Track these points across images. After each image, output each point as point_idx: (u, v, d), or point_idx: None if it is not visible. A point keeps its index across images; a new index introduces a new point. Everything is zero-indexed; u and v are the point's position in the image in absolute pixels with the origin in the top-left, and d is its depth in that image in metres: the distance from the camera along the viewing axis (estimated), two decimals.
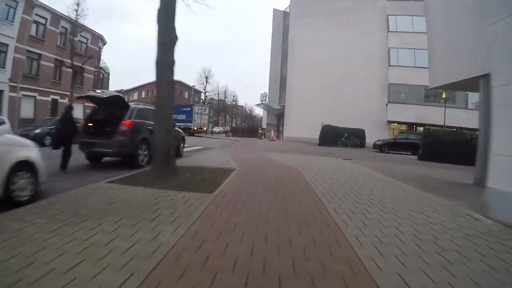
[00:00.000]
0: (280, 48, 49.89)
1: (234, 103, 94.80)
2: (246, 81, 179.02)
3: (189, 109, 44.65)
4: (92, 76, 41.22)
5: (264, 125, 50.83)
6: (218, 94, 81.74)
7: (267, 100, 47.04)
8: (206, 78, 70.58)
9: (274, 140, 38.88)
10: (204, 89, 70.79)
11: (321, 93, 39.10)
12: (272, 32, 55.65)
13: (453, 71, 10.52)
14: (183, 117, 44.94)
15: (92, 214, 4.22)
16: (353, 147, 29.98)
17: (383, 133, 34.96)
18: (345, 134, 31.77)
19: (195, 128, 43.13)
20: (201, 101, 46.14)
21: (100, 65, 43.62)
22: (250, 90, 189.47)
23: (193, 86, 64.36)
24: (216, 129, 72.59)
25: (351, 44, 39.39)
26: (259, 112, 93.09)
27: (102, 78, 47.48)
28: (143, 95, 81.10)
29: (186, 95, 71.91)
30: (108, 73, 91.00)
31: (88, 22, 35.56)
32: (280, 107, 45.67)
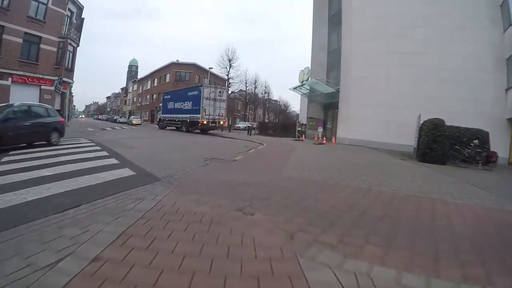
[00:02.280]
0: (326, 14, 36.22)
1: (266, 95, 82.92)
2: (279, 76, 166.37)
3: (196, 92, 32.95)
4: (55, 49, 32.02)
5: (303, 120, 37.47)
6: (246, 83, 70.54)
7: (310, 78, 33.10)
8: (229, 60, 60.48)
9: (323, 143, 26.06)
10: (227, 74, 60.06)
11: (395, 72, 26.41)
12: None
13: None
14: (188, 105, 34.09)
15: None
16: (488, 168, 16.63)
17: (502, 137, 22.59)
18: (475, 141, 18.05)
19: (205, 122, 31.49)
20: (221, 90, 32.57)
21: (66, 35, 32.84)
22: (284, 86, 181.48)
23: (210, 68, 52.02)
24: (241, 124, 61.78)
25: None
26: (295, 107, 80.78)
27: (75, 51, 36.27)
28: (155, 83, 72.34)
29: (203, 82, 57.74)
30: (137, 66, 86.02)
31: None
32: (333, 90, 31.22)
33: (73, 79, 37.69)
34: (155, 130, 37.28)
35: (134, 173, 8.14)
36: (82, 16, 45.24)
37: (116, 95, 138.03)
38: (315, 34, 38.23)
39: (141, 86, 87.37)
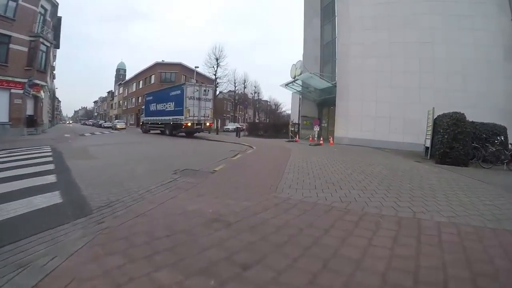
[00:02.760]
0: (319, 4, 33.09)
1: (256, 95, 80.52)
2: (269, 76, 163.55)
3: (178, 92, 30.06)
4: (26, 49, 29.13)
5: (295, 119, 34.55)
6: (235, 83, 67.90)
7: (302, 73, 29.04)
8: (217, 59, 58.08)
9: (320, 144, 23.20)
10: (215, 74, 57.49)
11: (399, 64, 23.71)
12: None
13: None
14: (171, 106, 31.24)
15: None
16: None
17: None
18: (500, 137, 15.21)
19: (189, 124, 28.65)
20: (206, 89, 29.46)
21: (38, 33, 29.97)
22: (274, 87, 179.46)
23: (195, 67, 48.89)
24: (230, 125, 58.92)
25: None
26: (286, 106, 78.29)
27: (48, 51, 33.54)
28: (140, 85, 69.49)
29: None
30: (125, 70, 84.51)
31: None
32: (329, 84, 28.13)
33: (48, 81, 35.99)
34: (136, 135, 34.36)
35: (61, 200, 5.65)
36: (59, 15, 42.69)
37: (103, 99, 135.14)
38: (307, 26, 35.42)
39: (126, 89, 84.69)
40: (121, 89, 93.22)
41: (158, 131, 35.09)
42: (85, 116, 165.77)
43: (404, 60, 23.53)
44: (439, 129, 14.77)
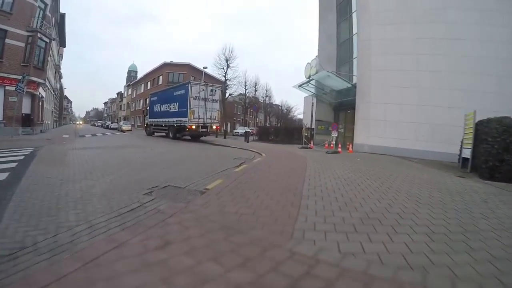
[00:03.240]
0: (334, 2, 30.48)
1: (267, 99, 78.11)
2: (280, 79, 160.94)
3: (182, 91, 27.67)
4: (23, 44, 27.79)
5: (309, 123, 31.89)
6: (246, 85, 65.60)
7: (318, 72, 26.67)
8: (227, 60, 55.90)
9: (339, 152, 20.23)
10: (224, 75, 55.49)
11: (426, 62, 21.06)
12: None
13: None
14: (175, 107, 28.91)
15: None
16: None
17: None
18: None
19: (193, 127, 26.20)
20: (213, 89, 26.89)
21: (36, 28, 28.56)
22: (286, 91, 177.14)
23: (204, 68, 46.59)
24: (240, 129, 56.67)
25: None
26: (297, 110, 75.69)
27: (47, 47, 31.49)
28: (148, 86, 67.71)
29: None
30: (136, 71, 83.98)
31: None
32: (348, 85, 25.23)
33: (50, 79, 34.72)
34: (138, 137, 32.09)
35: None
36: (62, 11, 41.51)
37: (112, 101, 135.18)
38: (322, 24, 32.87)
39: (135, 90, 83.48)
40: (129, 90, 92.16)
41: (163, 134, 32.66)
42: (95, 117, 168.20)
43: (431, 58, 20.91)
44: (484, 137, 12.14)
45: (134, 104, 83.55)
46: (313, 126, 29.72)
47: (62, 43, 56.26)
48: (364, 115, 23.07)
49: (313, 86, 29.12)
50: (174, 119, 28.67)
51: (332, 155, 18.36)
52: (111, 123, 73.61)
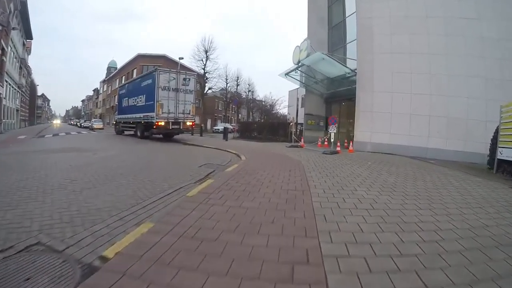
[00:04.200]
0: None
1: (250, 93, 73.82)
2: (264, 74, 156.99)
3: (149, 81, 23.29)
4: None
5: (296, 118, 27.91)
6: (227, 79, 61.66)
7: (309, 54, 21.56)
8: (206, 52, 52.89)
9: (337, 152, 16.39)
10: (203, 68, 52.41)
11: (439, 45, 17.37)
12: None
13: None
14: (142, 100, 24.51)
15: None
16: None
17: None
18: None
19: (162, 123, 21.87)
20: (186, 77, 23.18)
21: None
22: (269, 86, 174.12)
23: (180, 58, 41.87)
24: (221, 126, 52.92)
25: None
26: (282, 104, 71.73)
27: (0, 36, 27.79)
28: (123, 81, 63.45)
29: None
30: (116, 68, 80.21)
31: None
32: (347, 70, 20.73)
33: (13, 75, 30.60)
34: (103, 137, 27.96)
35: None
36: None
37: (89, 98, 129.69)
38: (310, 8, 28.36)
39: (110, 86, 78.70)
40: (105, 86, 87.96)
41: (132, 132, 28.11)
42: (74, 115, 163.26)
43: (445, 40, 17.19)
44: None
45: (109, 100, 78.38)
46: (300, 121, 25.54)
47: (28, 35, 52.02)
48: (367, 107, 19.05)
49: (302, 74, 25.17)
50: (141, 115, 24.41)
51: (332, 156, 14.51)
52: (84, 121, 71.41)
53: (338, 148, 17.03)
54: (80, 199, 5.65)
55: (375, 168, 10.63)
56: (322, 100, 26.47)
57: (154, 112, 21.67)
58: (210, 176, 8.42)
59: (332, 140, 16.89)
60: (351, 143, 18.49)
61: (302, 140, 22.06)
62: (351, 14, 22.26)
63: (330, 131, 17.19)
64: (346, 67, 20.77)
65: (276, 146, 20.45)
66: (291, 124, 25.31)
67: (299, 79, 26.75)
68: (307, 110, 26.71)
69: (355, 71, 19.92)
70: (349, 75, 21.10)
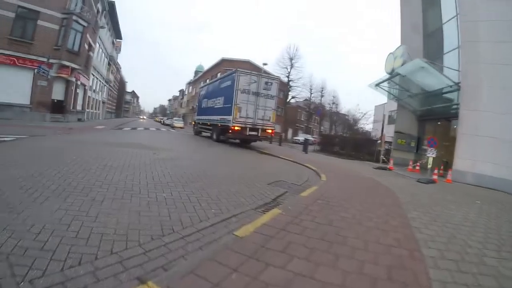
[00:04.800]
0: None
1: (334, 106, 70.35)
2: (348, 88, 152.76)
3: (229, 82, 22.01)
4: (56, 27, 26.15)
5: (381, 135, 25.38)
6: (311, 89, 60.11)
7: (405, 62, 19.47)
8: (291, 59, 52.17)
9: (434, 181, 13.95)
10: (288, 76, 51.82)
11: None
12: None
13: None
14: (220, 102, 23.46)
15: None
16: None
17: None
18: None
19: (238, 128, 20.37)
20: (268, 81, 21.48)
21: (72, 10, 26.96)
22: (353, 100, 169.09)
23: (264, 64, 41.59)
24: (301, 137, 51.48)
25: None
26: (366, 123, 68.40)
27: (85, 32, 29.17)
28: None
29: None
30: (202, 71, 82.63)
31: None
32: (449, 82, 17.41)
33: (89, 66, 34.38)
34: (179, 136, 27.72)
35: None
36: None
37: (175, 98, 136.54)
38: (404, 11, 25.65)
39: (194, 88, 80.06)
40: (190, 88, 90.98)
41: (209, 134, 27.28)
42: (161, 113, 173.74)
43: None
44: None
45: (192, 101, 79.38)
46: (386, 140, 23.03)
47: (118, 35, 54.81)
48: (470, 129, 16.04)
49: (395, 86, 22.53)
50: (218, 117, 23.29)
51: (428, 187, 12.17)
52: (166, 119, 74.57)
53: (435, 177, 14.54)
54: (81, 218, 4.27)
55: (490, 213, 8.11)
56: (414, 117, 23.33)
57: (231, 115, 20.28)
58: (278, 201, 6.78)
59: (429, 166, 14.47)
60: (449, 172, 15.62)
61: (392, 162, 19.54)
62: (450, 19, 19.37)
63: (428, 155, 14.74)
64: (449, 79, 17.60)
65: (361, 166, 18.40)
66: (379, 141, 22.89)
67: (390, 92, 23.99)
68: (397, 127, 23.81)
69: (459, 84, 17.00)
70: (451, 89, 17.88)
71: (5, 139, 12.14)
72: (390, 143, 22.94)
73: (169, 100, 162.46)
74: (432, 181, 13.58)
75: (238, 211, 5.59)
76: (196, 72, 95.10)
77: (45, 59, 23.90)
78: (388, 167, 18.53)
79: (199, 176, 8.32)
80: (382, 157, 19.73)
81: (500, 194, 12.60)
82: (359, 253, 4.03)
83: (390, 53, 20.62)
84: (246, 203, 6.24)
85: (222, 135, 22.77)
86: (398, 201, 8.03)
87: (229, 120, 20.56)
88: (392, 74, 20.25)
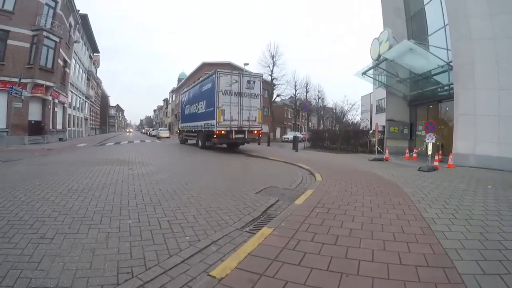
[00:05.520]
0: None
1: (320, 101, 70.44)
2: (332, 81, 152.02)
3: (209, 85, 21.10)
4: (27, 44, 25.44)
5: (369, 125, 24.41)
6: (296, 85, 60.02)
7: (391, 46, 18.25)
8: (272, 57, 52.50)
9: (435, 167, 13.01)
10: (271, 74, 52.14)
11: None
12: None
13: None
14: (202, 106, 22.51)
15: None
16: None
17: None
18: None
19: (223, 132, 19.43)
20: (250, 79, 20.56)
21: (41, 26, 26.14)
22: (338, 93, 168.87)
23: (245, 64, 39.74)
24: (290, 134, 50.53)
25: None
26: (354, 115, 67.75)
27: (57, 47, 28.19)
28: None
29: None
30: (184, 78, 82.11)
31: None
32: (442, 62, 16.52)
33: (62, 83, 32.90)
34: (164, 146, 26.94)
35: None
36: (82, 12, 38.60)
37: (160, 108, 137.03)
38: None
39: (178, 96, 78.47)
40: (173, 96, 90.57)
41: (194, 141, 26.51)
42: (147, 124, 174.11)
43: None
44: None
45: (177, 109, 78.78)
46: (378, 129, 21.93)
47: (94, 49, 53.66)
48: (468, 109, 15.03)
49: (383, 72, 21.42)
50: (202, 123, 22.27)
51: (432, 174, 11.19)
52: (152, 130, 74.08)
53: (436, 163, 13.59)
54: (20, 266, 3.41)
55: (510, 200, 7.12)
56: (405, 103, 22.54)
57: (214, 119, 19.35)
58: (269, 213, 5.80)
59: (429, 152, 13.43)
60: (449, 156, 14.57)
61: (387, 151, 18.42)
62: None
63: (427, 141, 13.68)
64: (440, 58, 16.71)
65: (355, 159, 17.44)
66: (371, 132, 21.93)
67: (378, 79, 23.17)
68: (388, 115, 22.78)
69: (451, 63, 16.07)
70: (442, 69, 17.01)
71: None
72: (382, 132, 21.97)
73: (154, 111, 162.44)
74: (434, 169, 12.60)
75: (219, 235, 4.55)
76: (179, 80, 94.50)
77: (23, 80, 22.87)
78: (384, 157, 17.43)
79: (176, 192, 7.30)
80: (377, 147, 18.69)
81: (509, 175, 11.57)
82: (379, 284, 2.98)
83: (375, 39, 19.59)
84: (229, 221, 5.24)
85: (208, 141, 21.90)
86: (407, 197, 7.04)
87: (213, 125, 19.62)
88: (379, 60, 19.28)
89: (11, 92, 21.03)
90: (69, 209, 5.70)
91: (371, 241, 4.15)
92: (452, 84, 15.92)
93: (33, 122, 26.40)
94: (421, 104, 21.60)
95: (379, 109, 32.35)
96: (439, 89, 18.27)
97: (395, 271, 3.21)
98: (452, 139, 15.65)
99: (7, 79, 23.45)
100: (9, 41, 24.10)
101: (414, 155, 17.18)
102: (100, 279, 3.21)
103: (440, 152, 16.10)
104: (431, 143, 13.25)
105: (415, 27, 21.46)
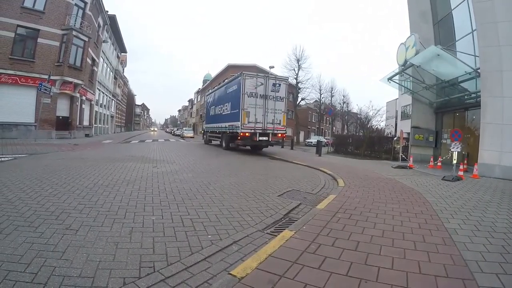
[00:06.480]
0: None
1: (345, 105, 69.39)
2: (358, 86, 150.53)
3: (235, 87, 21.27)
4: (57, 43, 26.25)
5: (394, 132, 23.99)
6: (321, 89, 59.42)
7: (418, 51, 17.59)
8: (298, 61, 51.89)
9: (460, 177, 12.55)
10: (296, 78, 51.58)
11: None
12: None
13: None
14: (227, 108, 22.74)
15: None
16: None
17: None
18: None
19: (247, 134, 19.65)
20: (275, 82, 20.61)
21: (71, 26, 26.95)
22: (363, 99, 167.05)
23: (270, 67, 40.78)
24: (313, 139, 49.86)
25: None
26: (376, 118, 66.95)
27: (86, 46, 29.06)
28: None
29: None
30: (209, 80, 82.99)
31: None
32: (470, 69, 15.95)
33: (91, 81, 34.13)
34: (188, 146, 27.11)
35: None
36: (111, 13, 39.99)
37: (185, 108, 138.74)
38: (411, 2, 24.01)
39: (203, 97, 79.09)
40: (198, 97, 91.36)
41: (218, 142, 26.75)
42: (171, 124, 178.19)
43: None
44: None
45: (201, 110, 79.30)
46: (403, 136, 21.57)
47: (122, 49, 54.49)
48: (495, 118, 14.59)
49: (409, 78, 20.91)
50: (227, 124, 22.50)
51: (456, 185, 10.94)
52: (176, 130, 75.09)
53: (461, 173, 13.25)
54: (45, 255, 3.65)
55: None
56: (431, 110, 22.06)
57: (239, 121, 19.52)
58: (291, 216, 5.88)
59: (454, 161, 13.19)
60: (475, 166, 14.12)
61: (411, 159, 18.08)
62: (460, 4, 18.16)
63: (452, 150, 13.46)
64: (467, 65, 16.14)
65: (379, 166, 17.16)
66: (395, 138, 21.65)
67: (404, 85, 22.55)
68: (414, 122, 22.24)
69: (478, 70, 15.56)
70: (469, 76, 16.52)
71: (2, 159, 11.91)
72: (407, 139, 21.65)
73: (179, 111, 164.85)
74: (459, 178, 12.32)
75: (240, 235, 4.70)
76: (204, 81, 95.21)
77: (52, 77, 23.49)
78: (408, 165, 17.18)
79: (199, 191, 7.48)
80: (401, 155, 18.47)
81: None
82: None
83: (402, 44, 19.28)
84: (251, 222, 5.38)
85: (232, 142, 22.22)
86: (430, 207, 6.98)
87: (238, 126, 19.81)
88: (406, 65, 18.95)
89: (40, 88, 21.67)
90: (94, 202, 5.97)
91: (391, 248, 4.19)
92: (480, 91, 15.38)
93: (60, 117, 27.30)
94: (447, 112, 21.10)
95: (404, 116, 31.88)
96: (466, 97, 17.76)
97: (414, 280, 3.25)
98: (478, 149, 15.11)
99: (36, 75, 24.39)
100: (40, 40, 24.94)
101: (439, 163, 16.71)
102: (123, 272, 3.36)
103: (465, 161, 15.75)
104: (456, 152, 13.03)
105: (442, 32, 20.97)
